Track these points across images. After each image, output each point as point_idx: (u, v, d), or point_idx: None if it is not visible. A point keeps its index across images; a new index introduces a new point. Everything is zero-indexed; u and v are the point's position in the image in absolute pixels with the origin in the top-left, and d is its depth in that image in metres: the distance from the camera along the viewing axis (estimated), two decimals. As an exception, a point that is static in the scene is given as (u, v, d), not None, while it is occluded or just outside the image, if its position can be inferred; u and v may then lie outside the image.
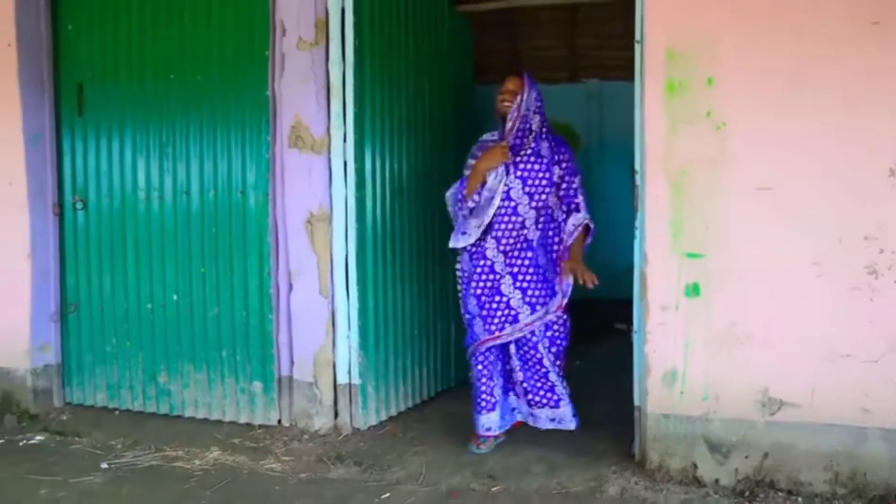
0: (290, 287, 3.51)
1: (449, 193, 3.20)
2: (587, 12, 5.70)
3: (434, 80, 3.99)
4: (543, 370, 3.14)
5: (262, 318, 3.53)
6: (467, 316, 3.18)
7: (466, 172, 3.12)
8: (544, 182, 3.04)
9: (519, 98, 3.02)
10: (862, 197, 2.64)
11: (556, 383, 3.17)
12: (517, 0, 5.19)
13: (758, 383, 2.77)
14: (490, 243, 3.05)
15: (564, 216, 3.13)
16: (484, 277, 3.08)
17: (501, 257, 3.06)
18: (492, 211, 2.99)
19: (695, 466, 2.85)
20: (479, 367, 3.17)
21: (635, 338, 2.96)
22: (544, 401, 3.20)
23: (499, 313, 3.07)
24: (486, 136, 3.23)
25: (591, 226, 3.15)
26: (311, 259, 3.47)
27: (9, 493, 2.90)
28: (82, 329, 3.96)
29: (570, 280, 3.10)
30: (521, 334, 3.09)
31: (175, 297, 3.72)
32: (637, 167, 2.91)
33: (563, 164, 3.10)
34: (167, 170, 3.73)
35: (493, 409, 3.17)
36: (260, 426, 3.57)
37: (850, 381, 2.68)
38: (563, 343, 3.22)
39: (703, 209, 2.78)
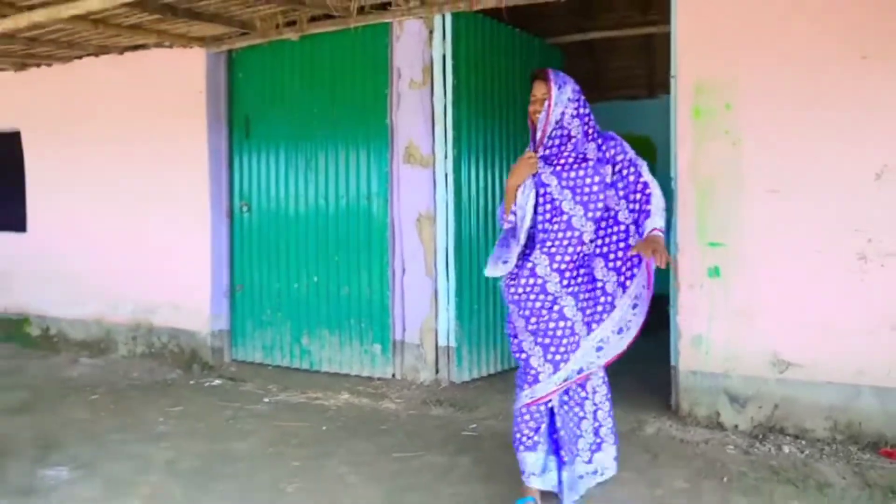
0: (404, 271, 4.51)
1: (498, 215, 2.81)
2: (661, 39, 6.37)
3: (525, 103, 4.85)
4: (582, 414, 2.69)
5: (381, 294, 4.56)
6: (515, 340, 2.68)
7: None
8: (595, 188, 2.56)
9: (547, 103, 2.58)
10: (853, 196, 3.27)
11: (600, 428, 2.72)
12: (597, 32, 5.96)
13: (768, 347, 3.45)
14: (541, 260, 2.58)
15: (634, 216, 2.59)
16: (533, 297, 2.60)
17: (556, 276, 2.57)
18: (524, 229, 2.59)
19: (718, 414, 3.56)
20: (528, 424, 2.65)
21: (670, 310, 3.71)
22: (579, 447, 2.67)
23: (565, 340, 2.58)
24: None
25: (662, 233, 2.54)
26: (420, 249, 4.46)
27: (206, 413, 4.04)
28: (245, 303, 5.17)
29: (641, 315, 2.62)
30: (586, 370, 2.62)
31: (315, 278, 4.82)
32: (672, 175, 3.67)
33: (619, 158, 2.61)
34: (311, 181, 4.84)
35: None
36: (378, 378, 4.59)
37: (846, 346, 3.30)
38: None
39: (723, 207, 3.50)
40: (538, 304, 2.60)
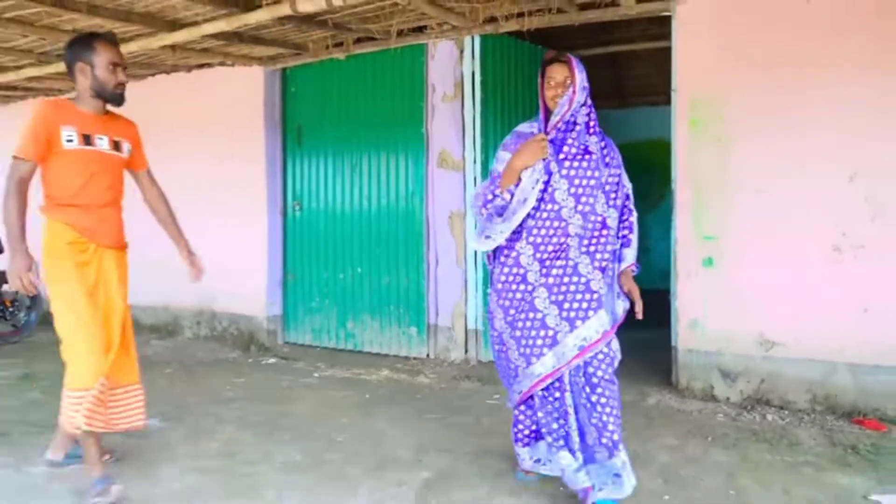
0: (437, 262, 5.09)
1: (475, 193, 2.73)
2: (678, 50, 6.81)
3: (545, 111, 5.41)
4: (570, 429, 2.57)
5: (417, 283, 5.14)
6: (493, 333, 2.70)
7: (498, 166, 2.66)
8: (593, 182, 2.53)
9: (571, 88, 2.53)
10: (830, 195, 3.71)
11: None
12: (617, 46, 6.46)
13: (756, 329, 3.91)
14: (526, 249, 2.55)
15: (619, 235, 2.67)
16: (514, 287, 2.58)
17: (536, 265, 2.54)
18: (522, 214, 2.52)
19: (711, 387, 4.04)
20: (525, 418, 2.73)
21: (671, 296, 4.19)
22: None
23: (533, 332, 2.53)
24: (522, 127, 2.77)
25: (636, 270, 2.68)
26: (452, 243, 5.03)
27: (265, 384, 4.67)
28: (296, 291, 5.80)
29: (626, 301, 2.63)
30: (565, 366, 2.52)
31: (359, 269, 5.43)
32: (673, 177, 4.16)
33: (613, 169, 2.63)
34: (355, 183, 5.45)
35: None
36: (414, 357, 5.18)
37: (824, 328, 3.75)
38: (612, 388, 2.55)
39: (716, 205, 3.98)
40: (518, 296, 2.58)
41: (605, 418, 2.50)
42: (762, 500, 2.73)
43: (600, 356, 2.54)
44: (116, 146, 2.95)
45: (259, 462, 3.17)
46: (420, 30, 4.94)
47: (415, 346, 5.19)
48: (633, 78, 7.67)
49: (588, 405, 2.52)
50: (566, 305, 2.52)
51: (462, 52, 4.87)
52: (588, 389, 2.53)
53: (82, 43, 2.83)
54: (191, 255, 3.32)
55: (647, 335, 5.23)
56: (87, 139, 2.82)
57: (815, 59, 3.72)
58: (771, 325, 3.88)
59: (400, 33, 4.91)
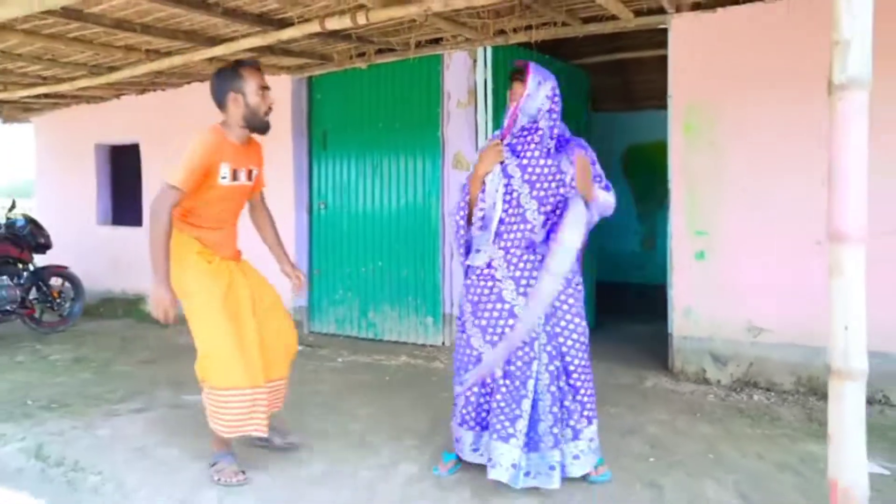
0: (452, 256, 5.46)
1: (454, 204, 2.93)
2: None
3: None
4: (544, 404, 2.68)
5: (433, 276, 5.53)
6: (459, 322, 2.84)
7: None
8: (554, 185, 2.65)
9: (525, 94, 2.65)
10: (813, 192, 3.99)
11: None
12: (622, 53, 6.79)
13: (745, 316, 4.24)
14: (497, 253, 2.69)
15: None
16: (482, 283, 2.72)
17: (505, 264, 2.68)
18: (496, 218, 2.66)
19: (704, 371, 4.37)
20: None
21: (667, 287, 4.53)
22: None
23: (501, 322, 2.66)
24: (496, 135, 2.87)
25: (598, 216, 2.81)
26: (464, 239, 5.41)
27: (293, 367, 5.08)
28: (322, 284, 6.22)
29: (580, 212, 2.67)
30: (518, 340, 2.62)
31: (380, 263, 5.84)
32: (669, 177, 4.50)
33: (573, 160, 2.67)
34: (377, 184, 5.85)
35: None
36: (430, 345, 5.57)
37: (807, 315, 4.05)
38: (588, 372, 2.77)
39: (708, 203, 4.32)
40: (486, 291, 2.71)
41: (580, 398, 2.74)
42: (737, 462, 3.08)
43: (577, 346, 2.71)
44: (250, 175, 2.99)
45: (292, 431, 3.57)
46: (436, 42, 5.32)
47: (431, 334, 5.58)
48: (639, 83, 7.97)
49: (565, 388, 2.70)
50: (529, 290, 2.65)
51: (475, 61, 5.25)
52: (564, 376, 2.70)
53: (230, 73, 2.80)
54: (294, 270, 3.33)
55: (649, 327, 5.60)
56: (235, 175, 2.86)
57: (797, 69, 4.04)
58: (758, 313, 4.20)
59: (418, 45, 5.30)
